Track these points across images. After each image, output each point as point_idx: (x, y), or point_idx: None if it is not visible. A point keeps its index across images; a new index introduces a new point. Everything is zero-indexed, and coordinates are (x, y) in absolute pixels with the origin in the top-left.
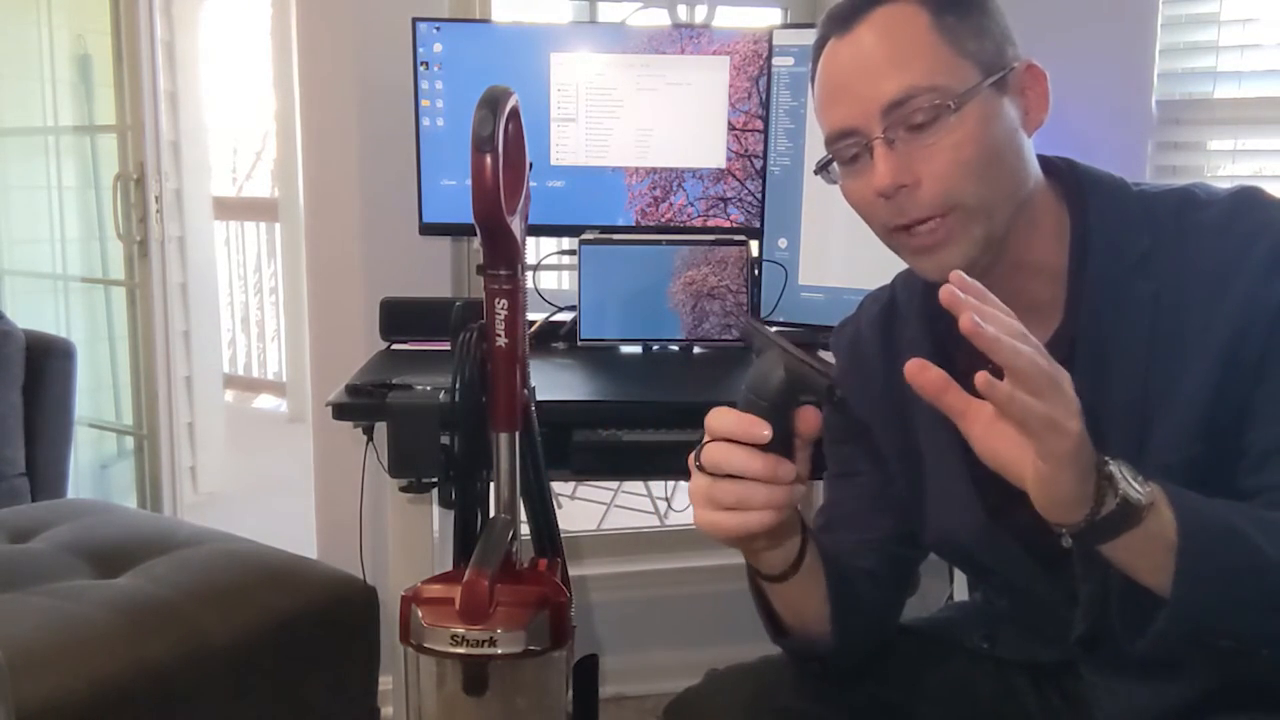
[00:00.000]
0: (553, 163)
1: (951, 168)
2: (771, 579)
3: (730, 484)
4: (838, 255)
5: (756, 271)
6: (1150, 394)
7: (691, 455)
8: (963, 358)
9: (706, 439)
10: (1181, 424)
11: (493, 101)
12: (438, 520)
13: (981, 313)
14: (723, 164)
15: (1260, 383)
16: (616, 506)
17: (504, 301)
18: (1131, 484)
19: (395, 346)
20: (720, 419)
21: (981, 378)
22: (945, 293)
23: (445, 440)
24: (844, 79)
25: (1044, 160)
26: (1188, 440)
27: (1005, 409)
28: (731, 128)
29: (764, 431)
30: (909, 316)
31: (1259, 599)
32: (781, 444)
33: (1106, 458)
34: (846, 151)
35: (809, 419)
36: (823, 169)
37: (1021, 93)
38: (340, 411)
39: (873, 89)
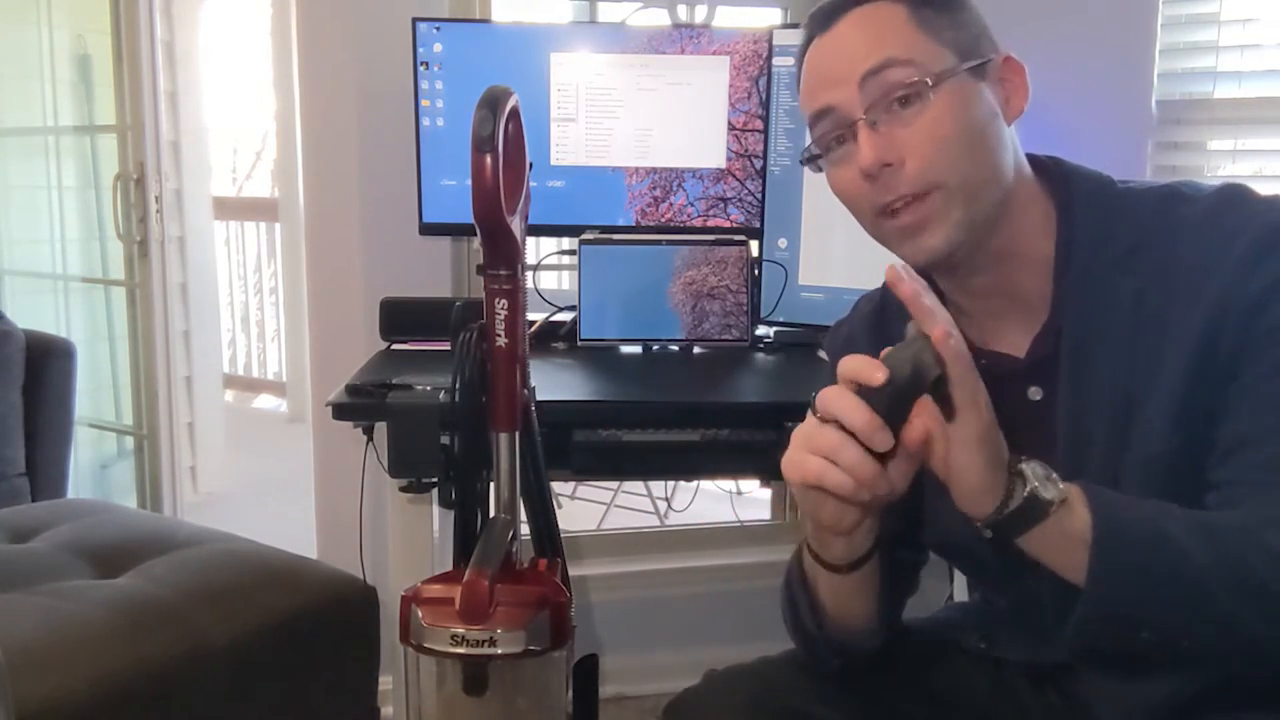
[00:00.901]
0: (553, 163)
1: (932, 144)
2: (831, 568)
3: (832, 431)
4: (838, 255)
5: (756, 271)
6: (1133, 387)
7: (814, 394)
8: None
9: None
10: (1162, 416)
11: (493, 101)
12: (438, 520)
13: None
14: (723, 164)
15: (1233, 376)
16: (616, 506)
17: (504, 301)
18: (1043, 482)
19: (395, 346)
20: (848, 361)
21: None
22: (890, 271)
23: (445, 440)
24: (824, 66)
25: (1032, 159)
26: (1169, 432)
27: (942, 346)
28: (731, 128)
29: (879, 375)
30: (902, 317)
31: (1178, 597)
32: (892, 425)
33: (1021, 457)
34: (830, 136)
35: (917, 429)
36: (810, 160)
37: (1000, 82)
38: (340, 411)
39: (850, 66)
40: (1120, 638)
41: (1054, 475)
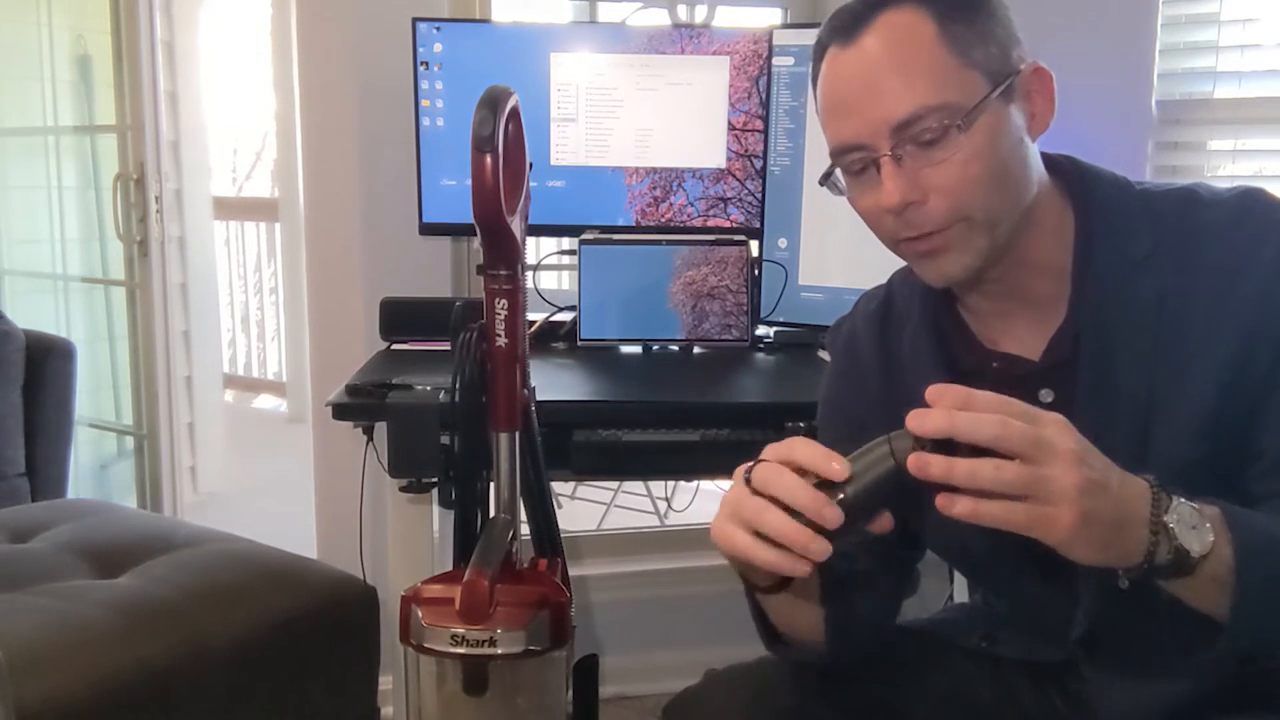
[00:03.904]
0: (553, 163)
1: (959, 184)
2: (760, 590)
3: (764, 505)
4: (838, 255)
5: (756, 271)
6: (1155, 392)
7: (743, 466)
8: (966, 358)
9: (764, 458)
10: (1186, 424)
11: (493, 101)
12: (438, 520)
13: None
14: (723, 164)
15: (1273, 386)
16: (616, 506)
17: (504, 301)
18: (1189, 532)
19: (395, 346)
20: (801, 446)
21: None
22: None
23: (445, 440)
24: (850, 93)
25: (1047, 158)
26: (1193, 440)
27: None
28: (731, 128)
29: (838, 467)
30: (909, 317)
31: None
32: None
33: (1169, 499)
34: (853, 165)
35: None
36: (827, 179)
37: (1028, 96)
38: (340, 411)
39: (881, 108)
40: (1243, 664)
41: (1202, 519)
